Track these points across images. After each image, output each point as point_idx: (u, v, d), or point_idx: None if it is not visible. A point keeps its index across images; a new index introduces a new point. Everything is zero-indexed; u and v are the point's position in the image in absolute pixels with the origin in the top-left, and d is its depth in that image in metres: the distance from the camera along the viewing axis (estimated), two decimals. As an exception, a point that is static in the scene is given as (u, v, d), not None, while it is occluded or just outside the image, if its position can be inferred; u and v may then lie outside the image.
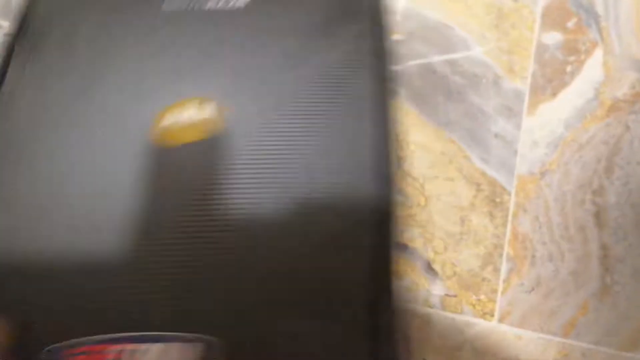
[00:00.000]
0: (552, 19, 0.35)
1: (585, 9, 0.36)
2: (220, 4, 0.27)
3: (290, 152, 0.23)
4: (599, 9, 0.36)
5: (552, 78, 0.34)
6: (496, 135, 0.33)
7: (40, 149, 0.23)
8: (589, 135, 0.33)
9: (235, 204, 0.22)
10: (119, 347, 0.19)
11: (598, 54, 0.35)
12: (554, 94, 0.34)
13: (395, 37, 0.35)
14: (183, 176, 0.22)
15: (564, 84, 0.34)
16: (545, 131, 0.33)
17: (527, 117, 0.33)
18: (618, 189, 0.31)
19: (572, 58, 0.35)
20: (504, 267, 0.30)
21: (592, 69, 0.34)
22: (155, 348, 0.18)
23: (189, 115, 0.23)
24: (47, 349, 0.19)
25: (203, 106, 0.24)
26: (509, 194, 0.31)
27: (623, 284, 0.29)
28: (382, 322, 0.21)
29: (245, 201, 0.22)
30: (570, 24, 0.35)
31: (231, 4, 0.27)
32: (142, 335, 0.19)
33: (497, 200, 0.31)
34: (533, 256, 0.30)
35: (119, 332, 0.19)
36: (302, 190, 0.22)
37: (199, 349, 0.19)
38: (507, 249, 0.30)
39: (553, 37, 0.35)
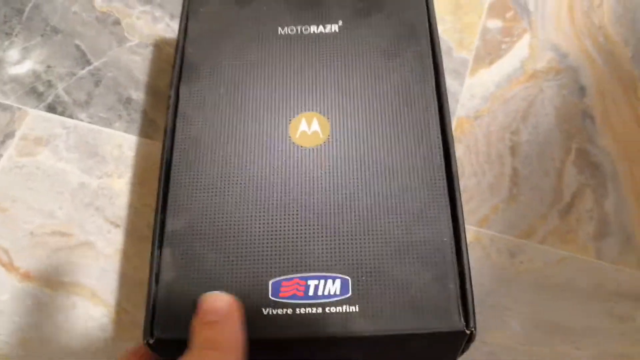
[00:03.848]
0: (496, 10, 0.47)
1: (520, 5, 0.47)
2: (319, 29, 0.35)
3: (377, 151, 0.31)
4: (531, 6, 0.47)
5: (490, 52, 0.45)
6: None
7: (210, 157, 0.31)
8: (513, 93, 0.44)
9: (341, 193, 0.30)
10: (303, 282, 0.28)
11: (526, 38, 0.46)
12: (491, 63, 0.45)
13: (377, 14, 0.46)
14: (312, 169, 0.31)
15: (499, 57, 0.45)
16: (481, 88, 0.44)
17: (469, 78, 0.44)
18: (529, 131, 0.42)
19: (507, 39, 0.46)
20: (440, 178, 0.41)
21: (521, 48, 0.45)
22: (320, 282, 0.28)
23: (309, 127, 0.32)
24: (272, 280, 0.28)
25: (316, 120, 0.32)
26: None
27: (524, 195, 0.40)
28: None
29: (348, 191, 0.30)
30: (508, 15, 0.47)
31: (327, 29, 0.35)
32: (313, 275, 0.28)
33: (441, 133, 0.42)
34: (463, 172, 0.41)
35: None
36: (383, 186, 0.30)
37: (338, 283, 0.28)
38: (444, 167, 0.41)
39: (495, 24, 0.47)
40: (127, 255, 0.38)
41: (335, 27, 0.35)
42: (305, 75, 0.34)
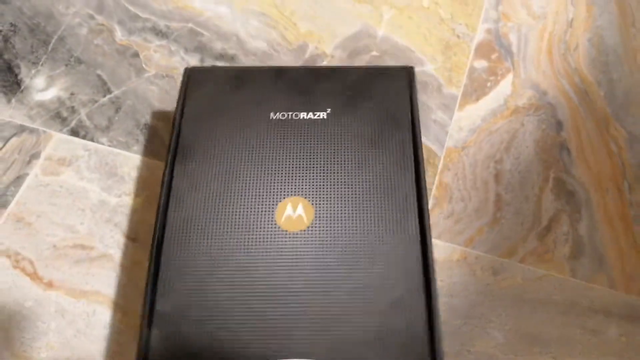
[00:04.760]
0: (482, 52, 0.52)
1: (504, 47, 0.52)
2: (309, 116, 0.37)
3: (358, 239, 0.33)
4: (514, 48, 0.52)
5: (477, 89, 0.50)
6: (435, 122, 0.48)
7: (200, 239, 0.33)
8: (497, 127, 0.48)
9: (324, 275, 0.32)
10: None
11: (509, 77, 0.51)
12: (477, 99, 0.49)
13: (373, 53, 0.51)
14: (295, 254, 0.32)
15: (484, 94, 0.50)
16: (468, 122, 0.48)
17: (457, 112, 0.49)
18: (512, 161, 0.46)
19: (492, 78, 0.51)
20: (431, 203, 0.45)
21: (504, 86, 0.50)
22: None
23: (294, 212, 0.33)
24: None
25: (301, 204, 0.34)
26: (439, 158, 0.46)
27: (507, 218, 0.44)
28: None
29: (330, 274, 0.32)
30: (494, 56, 0.52)
31: (316, 116, 0.37)
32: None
33: (431, 161, 0.46)
34: (451, 197, 0.45)
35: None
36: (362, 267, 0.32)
37: None
38: (434, 192, 0.45)
39: (481, 64, 0.51)
40: (143, 267, 0.41)
41: (323, 115, 0.37)
42: (294, 159, 0.35)
